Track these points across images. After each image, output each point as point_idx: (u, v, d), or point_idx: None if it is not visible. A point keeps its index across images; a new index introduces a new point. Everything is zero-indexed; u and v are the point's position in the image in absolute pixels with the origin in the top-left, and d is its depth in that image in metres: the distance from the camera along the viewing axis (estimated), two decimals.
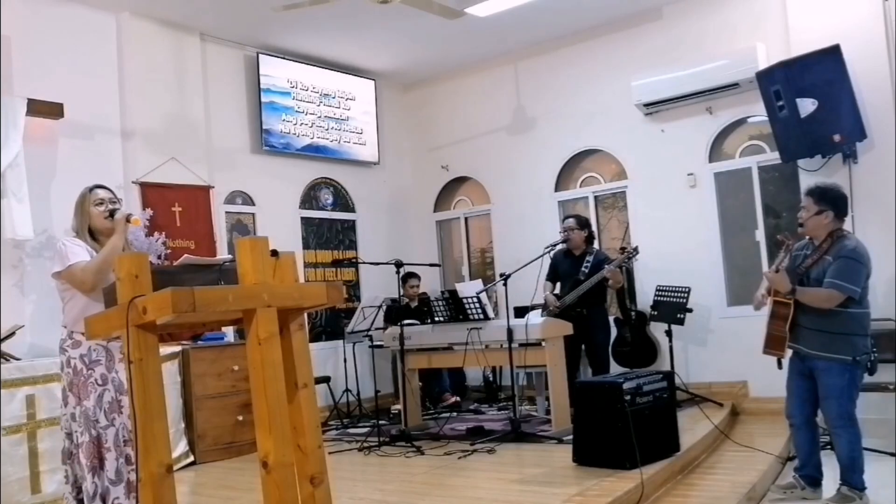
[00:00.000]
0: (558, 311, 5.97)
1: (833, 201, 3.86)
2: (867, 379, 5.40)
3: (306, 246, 7.61)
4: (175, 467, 3.27)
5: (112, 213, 3.36)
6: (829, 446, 4.19)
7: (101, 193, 3.39)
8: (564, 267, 6.18)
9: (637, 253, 6.15)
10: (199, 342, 5.71)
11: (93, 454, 3.13)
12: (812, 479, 4.03)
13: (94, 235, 3.36)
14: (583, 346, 6.09)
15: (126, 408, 3.15)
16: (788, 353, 3.99)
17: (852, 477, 3.84)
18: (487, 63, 8.00)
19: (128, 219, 3.35)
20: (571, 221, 6.18)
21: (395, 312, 6.94)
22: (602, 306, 6.12)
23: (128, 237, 3.41)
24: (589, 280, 5.88)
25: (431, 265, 6.99)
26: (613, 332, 6.59)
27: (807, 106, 5.57)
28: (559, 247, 6.19)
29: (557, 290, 6.17)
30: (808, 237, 4.00)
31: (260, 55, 7.14)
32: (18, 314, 5.18)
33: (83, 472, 3.14)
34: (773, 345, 3.95)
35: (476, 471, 4.54)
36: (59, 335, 3.31)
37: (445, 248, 8.71)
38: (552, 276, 6.24)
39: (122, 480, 3.13)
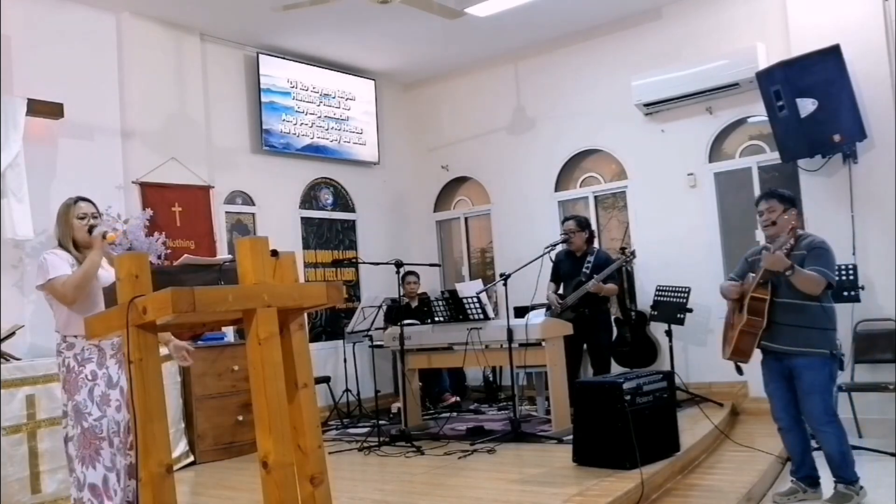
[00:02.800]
0: (560, 310, 5.97)
1: (791, 200, 4.03)
2: (867, 379, 5.43)
3: (306, 246, 7.61)
4: (175, 467, 3.29)
5: (91, 229, 3.42)
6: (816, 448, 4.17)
7: (84, 207, 3.46)
8: (566, 268, 6.18)
9: (633, 257, 6.17)
10: (199, 342, 5.71)
11: (83, 445, 3.21)
12: (810, 478, 4.03)
13: (76, 246, 3.42)
14: (584, 346, 6.10)
15: (114, 401, 3.26)
16: (755, 356, 3.97)
17: (845, 471, 3.86)
18: (487, 63, 8.00)
19: (104, 236, 3.41)
20: (571, 223, 6.17)
21: (395, 312, 6.94)
22: (604, 306, 6.13)
23: (107, 251, 3.47)
24: (587, 283, 5.87)
25: (431, 265, 6.99)
26: (614, 332, 6.60)
27: (807, 106, 5.57)
28: (559, 247, 6.20)
29: (560, 291, 6.18)
30: (764, 242, 4.10)
31: (260, 55, 7.14)
32: (18, 314, 5.19)
33: (72, 464, 3.24)
34: (740, 348, 3.90)
35: (476, 471, 4.54)
36: (55, 340, 3.39)
37: (445, 248, 8.71)
38: (554, 277, 6.25)
39: (115, 468, 3.22)
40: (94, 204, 3.52)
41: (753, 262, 4.06)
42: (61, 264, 3.31)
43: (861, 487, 3.86)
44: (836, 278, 3.87)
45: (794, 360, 3.86)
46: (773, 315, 3.85)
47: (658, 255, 6.82)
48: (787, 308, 3.84)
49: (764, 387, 4.07)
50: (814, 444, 4.07)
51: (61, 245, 3.42)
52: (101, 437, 3.21)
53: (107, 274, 3.31)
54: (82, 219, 3.42)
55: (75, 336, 3.27)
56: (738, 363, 4.00)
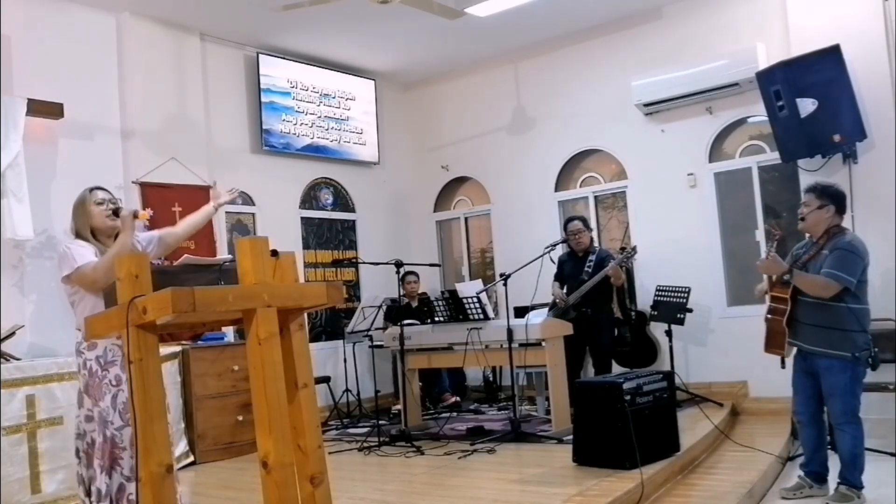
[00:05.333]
0: (564, 305, 5.97)
1: (833, 197, 3.95)
2: (867, 379, 5.42)
3: (306, 246, 7.61)
4: (175, 467, 3.26)
5: (116, 212, 3.34)
6: (831, 446, 4.20)
7: (102, 194, 3.39)
8: (568, 268, 6.20)
9: (635, 252, 6.17)
10: (199, 342, 5.71)
11: (106, 454, 3.12)
12: (818, 475, 4.05)
13: (95, 236, 3.35)
14: (587, 347, 6.11)
15: None
16: (792, 350, 4.00)
17: (853, 474, 3.86)
18: (487, 63, 8.00)
19: (135, 215, 3.33)
20: (579, 224, 6.17)
21: (396, 312, 6.94)
22: (608, 307, 6.15)
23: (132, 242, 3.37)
24: (592, 278, 5.89)
25: (431, 265, 6.99)
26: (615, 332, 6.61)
27: (807, 106, 5.57)
28: (561, 248, 6.21)
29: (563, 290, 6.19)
30: (807, 236, 4.07)
31: (260, 55, 7.14)
32: (18, 314, 5.19)
33: (95, 473, 3.14)
34: (773, 343, 3.97)
35: (476, 471, 4.54)
36: (75, 338, 3.27)
37: (445, 248, 8.71)
38: (559, 278, 6.27)
39: (135, 478, 3.12)
40: (109, 192, 3.46)
41: (797, 256, 4.05)
42: (86, 252, 3.21)
43: (863, 496, 3.86)
44: (853, 279, 3.77)
45: (816, 359, 3.88)
46: (797, 313, 3.87)
47: (658, 255, 6.82)
48: (810, 307, 3.84)
49: (791, 378, 4.08)
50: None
51: (80, 237, 3.33)
52: (121, 447, 3.11)
53: None
54: (100, 204, 3.34)
55: None
56: (780, 356, 4.00)
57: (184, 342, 5.60)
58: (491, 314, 5.68)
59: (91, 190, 3.40)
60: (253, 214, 7.16)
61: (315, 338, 7.37)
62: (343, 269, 7.91)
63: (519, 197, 7.86)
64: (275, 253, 2.27)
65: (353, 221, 8.13)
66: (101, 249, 3.30)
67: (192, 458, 5.34)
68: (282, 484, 2.10)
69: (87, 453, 3.20)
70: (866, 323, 3.89)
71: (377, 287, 7.59)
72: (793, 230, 4.28)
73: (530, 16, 6.78)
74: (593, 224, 7.32)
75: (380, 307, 7.04)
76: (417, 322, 6.42)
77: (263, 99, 7.13)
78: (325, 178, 7.88)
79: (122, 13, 6.14)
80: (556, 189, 7.67)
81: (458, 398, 7.13)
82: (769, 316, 3.97)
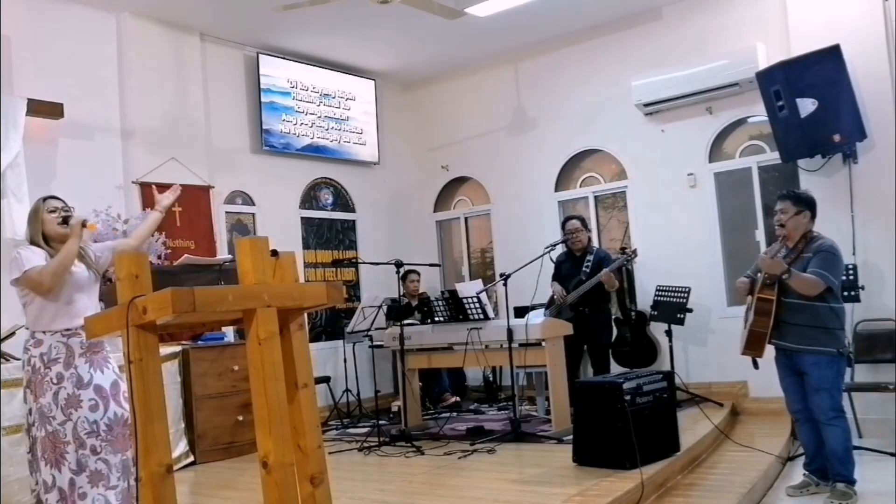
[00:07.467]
0: (563, 303, 5.96)
1: (808, 202, 4.08)
2: (867, 379, 5.45)
3: (306, 246, 7.62)
4: (175, 467, 3.28)
5: (66, 220, 3.46)
6: None
7: (55, 203, 3.52)
8: (566, 268, 6.20)
9: (635, 255, 6.17)
10: (199, 342, 5.70)
11: (48, 448, 3.22)
12: (823, 471, 4.09)
13: (48, 243, 3.46)
14: (585, 346, 6.11)
15: (87, 402, 3.26)
16: (767, 353, 4.03)
17: (847, 468, 3.91)
18: (487, 63, 8.00)
19: (84, 224, 3.45)
20: (577, 223, 6.18)
21: (396, 312, 6.94)
22: (605, 306, 6.14)
23: (82, 248, 3.49)
24: (588, 281, 5.89)
25: (431, 265, 6.99)
26: (614, 332, 6.60)
27: (807, 106, 5.57)
28: (559, 248, 6.20)
29: None
30: (779, 241, 4.16)
31: (260, 55, 7.14)
32: (18, 314, 5.15)
33: (37, 465, 3.25)
34: (752, 345, 4.04)
35: (476, 471, 4.54)
36: (24, 337, 3.42)
37: (445, 248, 8.71)
38: (556, 278, 6.25)
39: (83, 470, 3.21)
40: (63, 201, 3.56)
41: None
42: (35, 258, 3.34)
43: (857, 493, 3.89)
44: (837, 280, 3.90)
45: (802, 357, 3.96)
46: (781, 314, 3.94)
47: (658, 255, 6.82)
48: (795, 308, 3.92)
49: (779, 381, 4.17)
50: None
51: (33, 243, 3.46)
52: (65, 442, 3.20)
53: (79, 270, 3.37)
54: (53, 212, 3.46)
55: (44, 332, 3.32)
56: (753, 358, 4.08)
57: (184, 342, 5.59)
58: (491, 314, 5.68)
59: (45, 199, 3.54)
60: (253, 214, 7.16)
61: (315, 338, 7.37)
62: (343, 269, 7.92)
63: (519, 197, 7.86)
64: (275, 253, 2.27)
65: (353, 221, 8.13)
66: (52, 255, 3.42)
67: (192, 458, 5.34)
68: (282, 484, 2.10)
69: (32, 450, 3.31)
70: (844, 321, 4.04)
71: (377, 287, 7.59)
72: None
73: (530, 16, 6.78)
74: (593, 224, 7.34)
75: (380, 307, 7.04)
76: (417, 322, 6.41)
77: (263, 99, 7.13)
78: (325, 178, 7.88)
79: (122, 13, 6.14)
80: (556, 189, 7.67)
81: (458, 398, 7.13)
82: (754, 317, 4.02)
